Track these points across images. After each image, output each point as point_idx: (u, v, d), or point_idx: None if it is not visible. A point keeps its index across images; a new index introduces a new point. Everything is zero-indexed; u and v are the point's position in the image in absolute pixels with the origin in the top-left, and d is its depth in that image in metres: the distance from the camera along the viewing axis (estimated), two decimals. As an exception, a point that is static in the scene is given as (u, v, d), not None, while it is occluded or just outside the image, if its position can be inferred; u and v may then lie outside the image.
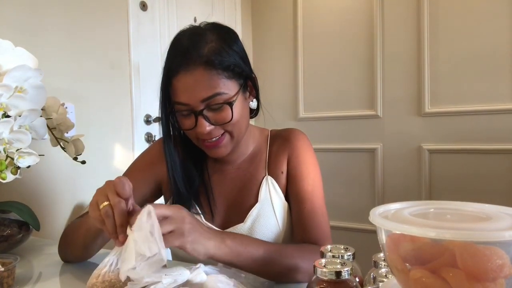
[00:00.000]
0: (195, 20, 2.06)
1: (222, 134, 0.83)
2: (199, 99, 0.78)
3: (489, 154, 1.99)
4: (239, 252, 0.71)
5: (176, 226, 0.63)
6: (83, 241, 0.84)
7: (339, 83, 2.34)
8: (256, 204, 0.89)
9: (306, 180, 0.90)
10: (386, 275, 0.55)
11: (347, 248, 0.59)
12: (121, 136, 1.65)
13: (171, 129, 0.89)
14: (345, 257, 0.57)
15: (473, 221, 0.43)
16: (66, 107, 1.01)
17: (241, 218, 0.89)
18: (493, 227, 0.39)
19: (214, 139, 0.82)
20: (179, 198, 0.90)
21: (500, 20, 1.94)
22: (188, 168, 0.92)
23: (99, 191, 0.68)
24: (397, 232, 0.42)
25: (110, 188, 0.66)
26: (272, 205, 0.89)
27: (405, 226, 0.41)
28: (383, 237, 0.44)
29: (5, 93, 0.79)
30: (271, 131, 1.00)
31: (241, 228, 0.88)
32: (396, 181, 2.22)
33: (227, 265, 0.71)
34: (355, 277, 0.55)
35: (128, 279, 0.62)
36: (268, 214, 0.89)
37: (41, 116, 0.86)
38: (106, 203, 0.64)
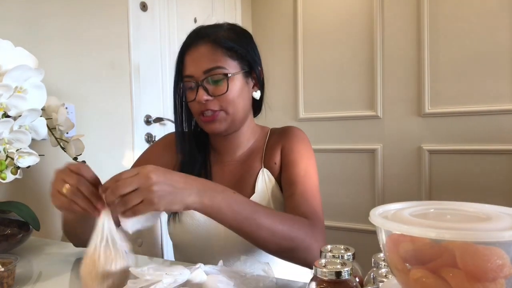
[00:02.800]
0: (195, 21, 2.06)
1: (218, 110, 0.88)
2: (201, 70, 0.87)
3: (489, 154, 1.99)
4: (221, 209, 0.71)
5: (144, 196, 0.63)
6: (74, 231, 0.87)
7: (339, 83, 2.34)
8: (253, 195, 0.93)
9: (299, 166, 0.92)
10: (386, 275, 0.55)
11: (347, 248, 0.59)
12: (121, 136, 1.65)
13: (183, 114, 0.97)
14: (345, 257, 0.57)
15: (473, 221, 0.43)
16: (66, 107, 1.01)
17: None
18: (493, 227, 0.39)
19: (210, 113, 0.88)
20: None
21: (500, 20, 1.94)
22: (192, 156, 0.98)
23: (54, 181, 0.69)
24: (397, 232, 0.42)
25: (63, 173, 0.67)
26: (269, 195, 0.93)
27: (405, 226, 0.41)
28: (383, 237, 0.44)
29: (5, 93, 0.79)
30: (271, 128, 1.05)
31: None
32: (396, 181, 2.22)
33: (211, 217, 0.71)
34: (355, 277, 0.55)
35: (126, 274, 0.62)
36: (265, 204, 0.92)
37: (41, 116, 0.86)
38: (67, 185, 0.66)
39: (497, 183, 1.97)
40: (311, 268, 0.80)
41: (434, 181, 2.13)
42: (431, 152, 2.12)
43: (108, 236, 0.65)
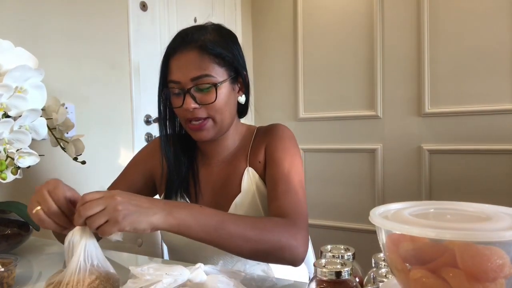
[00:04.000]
0: (195, 20, 2.06)
1: (206, 119, 0.88)
2: (189, 77, 0.85)
3: (489, 154, 1.99)
4: (187, 224, 0.71)
5: (109, 215, 0.64)
6: (60, 235, 0.88)
7: (339, 83, 2.34)
8: (239, 194, 0.93)
9: (282, 164, 0.91)
10: (386, 275, 0.55)
11: (347, 248, 0.60)
12: (121, 136, 1.65)
13: (167, 117, 0.96)
14: (345, 257, 0.57)
15: (473, 221, 0.43)
16: (66, 107, 1.01)
17: (226, 207, 0.93)
18: (493, 227, 0.39)
19: (198, 121, 0.88)
20: (170, 187, 0.97)
21: (500, 20, 1.94)
22: (178, 159, 0.98)
23: (31, 200, 0.71)
24: (397, 232, 0.42)
25: (38, 195, 0.69)
26: (255, 193, 0.93)
27: (405, 226, 0.41)
28: (383, 237, 0.44)
29: (5, 93, 0.79)
30: (258, 127, 1.04)
31: None
32: (396, 181, 2.22)
33: (180, 235, 0.71)
34: (355, 277, 0.55)
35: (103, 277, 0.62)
36: (251, 202, 0.93)
37: (41, 116, 0.86)
38: (38, 207, 0.68)
39: (497, 183, 1.97)
40: (295, 266, 0.80)
41: (434, 181, 2.13)
42: (431, 152, 2.12)
43: (85, 257, 0.64)
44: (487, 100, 1.98)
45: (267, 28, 2.56)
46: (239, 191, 0.94)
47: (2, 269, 0.70)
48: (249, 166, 0.96)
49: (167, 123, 0.97)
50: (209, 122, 0.89)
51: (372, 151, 2.27)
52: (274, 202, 0.88)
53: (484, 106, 1.98)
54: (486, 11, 1.96)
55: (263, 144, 0.97)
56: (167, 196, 0.98)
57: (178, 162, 0.98)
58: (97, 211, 0.64)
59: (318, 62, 2.40)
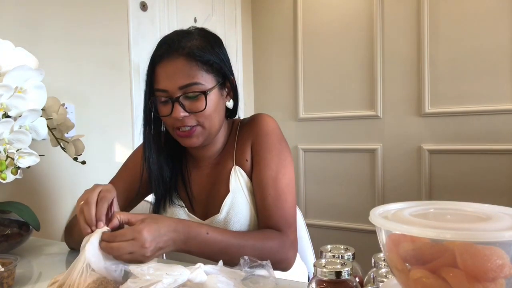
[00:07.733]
0: (195, 21, 2.06)
1: (195, 126, 0.87)
2: (177, 86, 0.83)
3: (489, 154, 1.99)
4: (191, 252, 0.78)
5: (135, 258, 0.69)
6: (78, 238, 0.86)
7: (339, 83, 2.34)
8: (229, 194, 0.92)
9: (269, 166, 0.91)
10: (386, 275, 0.55)
11: (347, 248, 0.60)
12: (121, 136, 1.65)
13: (151, 124, 0.96)
14: (345, 257, 0.57)
15: (473, 221, 0.43)
16: (66, 107, 1.01)
17: (217, 208, 0.92)
18: (493, 227, 0.40)
19: (187, 128, 0.87)
20: (157, 194, 0.97)
21: (500, 20, 1.94)
22: (163, 165, 0.97)
23: (85, 192, 0.77)
24: (397, 232, 0.42)
25: (91, 190, 0.75)
26: (244, 193, 0.92)
27: (405, 226, 0.41)
28: (383, 237, 0.44)
29: (5, 93, 0.79)
30: (240, 120, 1.02)
31: (217, 218, 0.92)
32: (396, 181, 2.22)
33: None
34: (355, 277, 0.55)
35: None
36: (241, 202, 0.92)
37: (41, 116, 0.86)
38: (81, 202, 0.74)
39: (497, 183, 1.97)
40: (285, 271, 0.86)
41: (434, 181, 2.13)
42: (431, 152, 2.12)
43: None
44: (487, 100, 1.98)
45: (267, 28, 2.56)
46: (228, 191, 0.92)
47: (2, 269, 0.70)
48: (236, 164, 0.94)
49: (152, 129, 0.96)
50: (198, 129, 0.87)
51: (372, 151, 2.27)
52: (264, 212, 0.89)
53: (484, 106, 1.98)
54: (486, 11, 1.96)
55: (249, 140, 0.95)
56: (157, 201, 0.97)
57: (161, 171, 0.96)
58: (125, 253, 0.68)
59: (318, 62, 2.40)
